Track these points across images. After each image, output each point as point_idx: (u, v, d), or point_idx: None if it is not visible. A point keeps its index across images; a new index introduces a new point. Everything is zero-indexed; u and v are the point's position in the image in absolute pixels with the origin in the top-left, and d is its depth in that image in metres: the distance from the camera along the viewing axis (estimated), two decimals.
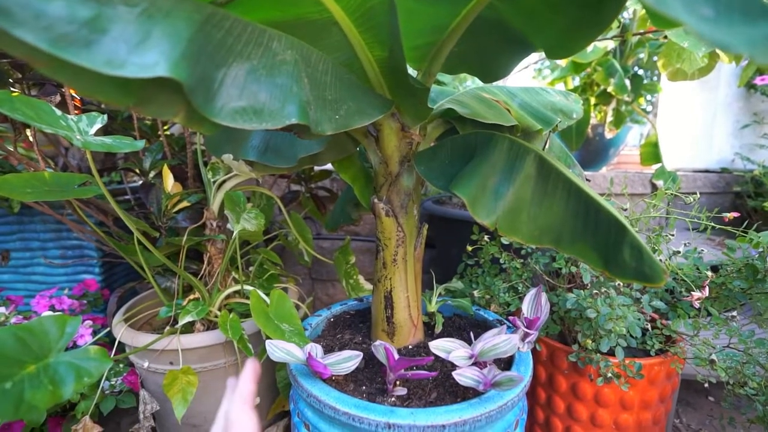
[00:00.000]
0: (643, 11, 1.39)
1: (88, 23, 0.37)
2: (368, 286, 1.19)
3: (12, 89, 0.85)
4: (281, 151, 0.79)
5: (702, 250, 0.97)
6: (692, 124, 2.07)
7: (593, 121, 1.95)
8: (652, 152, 1.97)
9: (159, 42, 0.40)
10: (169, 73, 0.39)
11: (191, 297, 1.01)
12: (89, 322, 1.18)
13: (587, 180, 0.98)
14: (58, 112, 0.68)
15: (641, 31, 1.28)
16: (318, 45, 0.67)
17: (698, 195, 0.91)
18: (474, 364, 0.66)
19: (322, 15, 0.61)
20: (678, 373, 0.93)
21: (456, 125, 0.77)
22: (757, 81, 1.71)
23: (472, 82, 1.72)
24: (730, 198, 2.10)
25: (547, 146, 0.94)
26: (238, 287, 1.00)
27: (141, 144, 0.72)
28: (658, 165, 2.04)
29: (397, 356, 0.60)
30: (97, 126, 0.72)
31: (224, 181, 0.94)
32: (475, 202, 0.56)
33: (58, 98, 0.80)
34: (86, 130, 0.70)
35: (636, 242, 0.54)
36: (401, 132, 0.71)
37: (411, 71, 0.75)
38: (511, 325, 0.77)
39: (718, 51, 1.31)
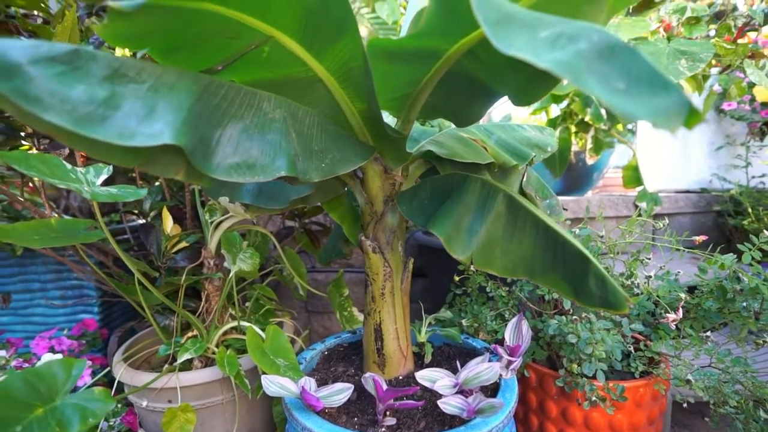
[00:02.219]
0: None
1: (104, 102, 0.43)
2: (362, 317, 1.22)
3: (24, 142, 0.91)
4: (274, 194, 0.85)
5: (678, 272, 1.02)
6: (669, 146, 2.17)
7: (575, 147, 2.03)
8: (633, 175, 2.05)
9: (164, 113, 0.46)
10: (173, 140, 0.45)
11: (189, 334, 1.04)
12: (89, 363, 1.20)
13: (564, 209, 1.03)
14: (68, 166, 0.74)
15: None
16: (305, 99, 0.74)
17: (667, 221, 0.97)
18: (461, 392, 0.69)
19: (308, 74, 0.68)
20: (664, 395, 0.96)
21: (436, 165, 0.83)
22: (724, 106, 1.81)
23: None
24: (712, 217, 2.17)
25: (524, 179, 1.00)
26: (235, 323, 1.03)
27: (144, 192, 0.78)
28: (641, 187, 2.11)
29: (385, 387, 0.64)
30: (104, 177, 0.78)
31: (221, 222, 0.99)
32: (451, 240, 0.61)
33: (66, 151, 0.86)
34: (93, 181, 0.76)
35: (599, 273, 0.59)
36: (384, 174, 0.77)
37: (392, 118, 0.82)
38: (494, 353, 0.80)
39: (681, 83, 1.40)
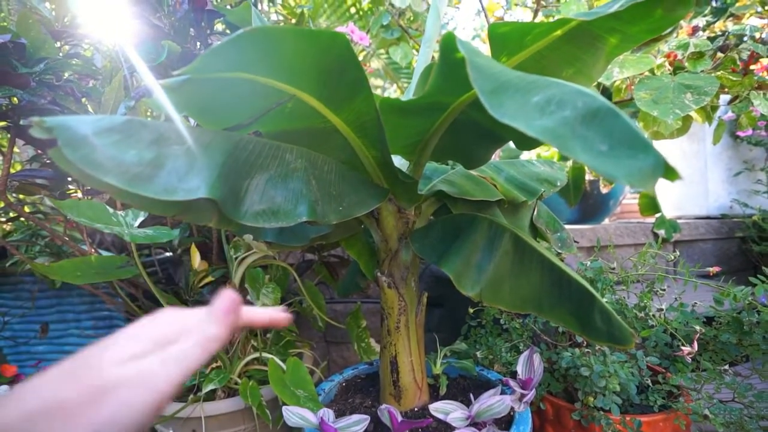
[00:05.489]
0: (619, 82, 1.54)
1: (151, 162, 0.49)
2: (379, 348, 1.25)
3: (69, 186, 1.01)
4: (295, 233, 0.91)
5: (694, 303, 1.02)
6: (686, 173, 2.17)
7: (589, 176, 2.05)
8: (649, 203, 2.05)
9: (200, 170, 0.53)
10: (208, 194, 0.51)
11: (213, 365, 1.08)
12: None
13: (576, 241, 1.06)
14: (110, 210, 0.82)
15: (616, 100, 1.42)
16: (324, 146, 0.80)
17: (678, 252, 0.98)
18: (474, 424, 0.71)
19: (327, 125, 0.74)
20: (686, 430, 0.94)
21: (447, 203, 0.88)
22: (740, 134, 1.82)
23: None
24: (736, 243, 2.13)
25: (535, 214, 1.04)
26: (257, 355, 1.07)
27: (176, 233, 0.84)
28: (659, 214, 2.10)
29: (400, 419, 0.66)
30: (140, 219, 0.85)
31: (245, 257, 1.05)
32: (460, 277, 0.65)
33: (107, 196, 0.94)
34: (132, 224, 0.83)
35: (604, 309, 0.61)
36: (398, 213, 0.81)
37: (404, 162, 0.88)
38: (507, 385, 0.82)
39: (691, 114, 1.43)
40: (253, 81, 0.60)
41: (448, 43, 0.51)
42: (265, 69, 0.58)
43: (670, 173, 0.39)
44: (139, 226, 0.87)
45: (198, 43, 1.06)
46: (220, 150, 0.57)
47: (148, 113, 1.13)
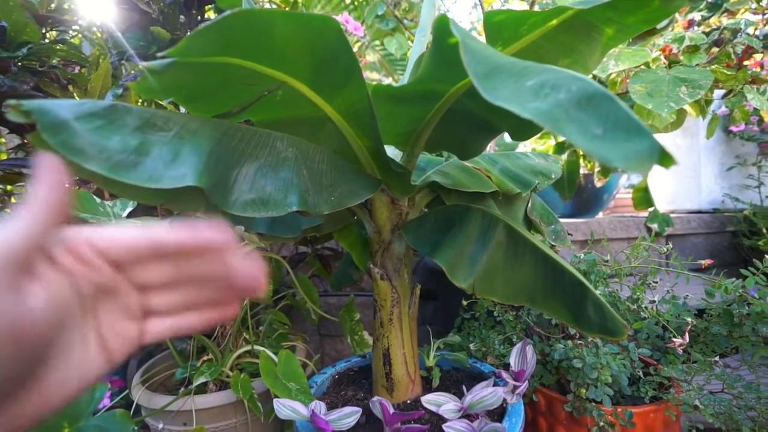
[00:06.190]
0: (614, 75, 1.53)
1: (135, 149, 0.48)
2: (372, 341, 1.24)
3: None
4: (287, 224, 0.90)
5: (686, 295, 1.02)
6: (679, 167, 2.18)
7: (583, 170, 2.05)
8: (643, 197, 2.05)
9: (187, 158, 0.52)
10: (195, 182, 0.50)
11: (205, 358, 1.07)
12: (107, 384, 1.24)
13: (570, 234, 1.05)
14: (97, 200, 0.80)
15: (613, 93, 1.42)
16: (316, 135, 0.79)
17: (671, 245, 0.98)
18: (466, 416, 0.71)
19: (318, 113, 0.73)
20: (676, 421, 0.95)
21: (441, 194, 0.87)
22: (733, 128, 1.82)
23: None
24: (727, 237, 2.14)
25: (529, 206, 1.03)
26: (248, 347, 1.06)
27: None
28: (652, 208, 2.11)
29: (392, 411, 0.66)
30: (128, 210, 0.84)
31: None
32: (453, 269, 0.64)
33: (95, 186, 0.92)
34: (119, 214, 0.81)
35: (597, 300, 0.61)
36: (391, 204, 0.80)
37: (397, 152, 0.87)
38: (500, 377, 0.82)
39: (685, 107, 1.43)
40: (241, 66, 0.58)
41: (442, 27, 0.49)
42: (253, 54, 0.57)
43: (665, 158, 0.38)
44: (128, 217, 0.85)
45: (188, 31, 1.04)
46: (208, 137, 0.56)
47: (139, 103, 1.11)
